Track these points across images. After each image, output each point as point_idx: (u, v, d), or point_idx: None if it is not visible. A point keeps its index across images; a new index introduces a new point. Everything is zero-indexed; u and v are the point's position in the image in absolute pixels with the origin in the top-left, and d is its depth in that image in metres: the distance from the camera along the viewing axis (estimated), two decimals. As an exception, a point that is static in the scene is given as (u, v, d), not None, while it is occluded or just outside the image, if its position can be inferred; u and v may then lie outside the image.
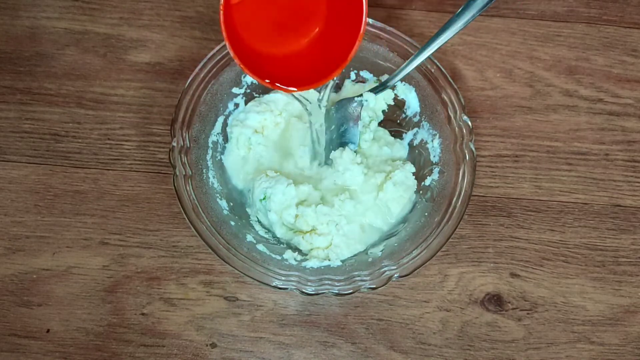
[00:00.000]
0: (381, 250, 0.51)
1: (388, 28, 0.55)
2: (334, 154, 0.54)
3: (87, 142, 0.59)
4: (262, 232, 0.54)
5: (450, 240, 0.50)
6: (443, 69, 0.54)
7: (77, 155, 0.58)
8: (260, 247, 0.51)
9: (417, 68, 0.54)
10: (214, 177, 0.54)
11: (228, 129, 0.56)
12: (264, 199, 0.53)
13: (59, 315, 0.53)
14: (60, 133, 0.59)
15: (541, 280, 0.56)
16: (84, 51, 0.62)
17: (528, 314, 0.55)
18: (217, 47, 0.54)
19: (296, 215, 0.53)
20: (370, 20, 0.55)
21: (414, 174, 0.55)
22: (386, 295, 0.55)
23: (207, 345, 0.53)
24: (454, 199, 0.51)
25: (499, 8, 0.65)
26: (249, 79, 0.57)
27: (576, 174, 0.60)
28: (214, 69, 0.54)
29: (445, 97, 0.54)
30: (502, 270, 0.56)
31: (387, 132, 0.58)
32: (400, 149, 0.57)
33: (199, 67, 0.53)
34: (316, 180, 0.55)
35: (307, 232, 0.53)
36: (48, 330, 0.53)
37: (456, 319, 0.55)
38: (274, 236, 0.54)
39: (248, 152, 0.56)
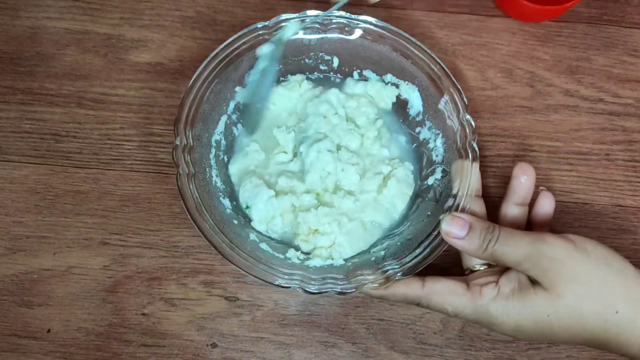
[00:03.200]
0: (384, 250, 0.51)
1: (392, 28, 0.55)
2: (309, 156, 0.54)
3: (88, 142, 0.59)
4: (264, 230, 0.54)
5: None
6: (446, 69, 0.54)
7: (78, 155, 0.58)
8: (264, 245, 0.51)
9: (420, 67, 0.54)
10: (217, 176, 0.54)
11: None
12: (247, 207, 0.53)
13: (60, 315, 0.53)
14: (61, 133, 0.59)
15: (542, 280, 0.56)
16: (84, 51, 0.62)
17: (529, 314, 0.55)
18: (222, 46, 0.54)
19: (298, 223, 0.53)
20: (373, 20, 0.55)
21: (412, 172, 0.55)
22: (387, 295, 0.55)
23: (207, 346, 0.53)
24: (456, 197, 0.51)
25: (499, 8, 0.65)
26: (252, 78, 0.57)
27: (577, 174, 0.60)
28: (218, 68, 0.54)
29: (448, 97, 0.54)
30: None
31: (386, 130, 0.58)
32: (395, 149, 0.57)
33: (202, 65, 0.53)
34: (299, 174, 0.55)
35: (308, 233, 0.53)
36: (49, 330, 0.53)
37: (457, 319, 0.54)
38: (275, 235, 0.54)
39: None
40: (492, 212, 0.58)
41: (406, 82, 0.56)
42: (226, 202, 0.53)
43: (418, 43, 0.54)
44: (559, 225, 0.58)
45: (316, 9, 0.55)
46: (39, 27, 0.63)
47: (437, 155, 0.55)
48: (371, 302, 0.55)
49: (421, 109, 0.56)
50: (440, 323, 0.54)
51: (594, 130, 0.61)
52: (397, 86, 0.57)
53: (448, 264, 0.56)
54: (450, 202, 0.51)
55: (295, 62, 0.58)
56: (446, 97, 0.54)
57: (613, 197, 0.59)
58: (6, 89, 0.60)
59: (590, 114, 0.62)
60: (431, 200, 0.53)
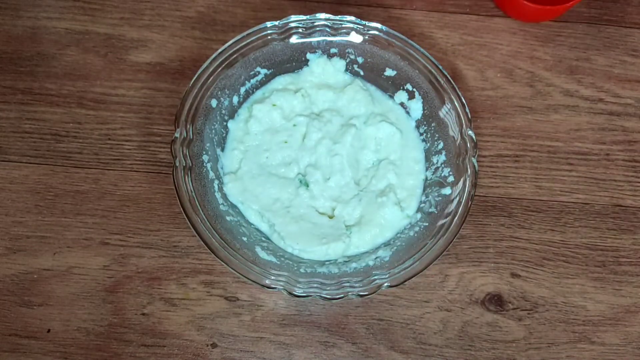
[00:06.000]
0: (373, 260, 0.51)
1: (394, 32, 0.55)
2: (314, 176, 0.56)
3: (88, 142, 0.59)
4: (260, 226, 0.54)
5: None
6: (452, 80, 0.54)
7: (78, 156, 0.58)
8: (253, 246, 0.51)
9: (426, 77, 0.55)
10: (212, 170, 0.54)
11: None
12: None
13: (60, 315, 0.53)
14: (61, 133, 0.59)
15: (542, 280, 0.56)
16: (84, 51, 0.62)
17: (529, 314, 0.55)
18: (231, 41, 0.54)
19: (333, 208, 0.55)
20: (384, 27, 0.55)
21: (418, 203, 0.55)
22: (387, 296, 0.55)
23: (207, 346, 0.53)
24: (451, 214, 0.51)
25: (499, 8, 0.65)
26: (254, 80, 0.57)
27: (577, 174, 0.60)
28: (224, 64, 0.54)
29: (452, 110, 0.53)
30: (502, 270, 0.56)
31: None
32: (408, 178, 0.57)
33: (209, 60, 0.53)
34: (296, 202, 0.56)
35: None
36: (49, 330, 0.53)
37: (457, 319, 0.55)
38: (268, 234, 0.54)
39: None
40: (492, 213, 0.58)
41: (412, 88, 0.56)
42: (220, 197, 0.53)
43: (432, 58, 0.54)
44: (559, 225, 0.58)
45: (323, 10, 0.56)
46: (39, 27, 0.63)
47: (435, 169, 0.55)
48: (371, 302, 0.55)
49: (419, 117, 0.57)
50: (440, 323, 0.54)
51: (594, 130, 0.61)
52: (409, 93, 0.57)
53: (446, 265, 0.56)
54: (444, 220, 0.51)
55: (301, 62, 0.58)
56: (448, 106, 0.54)
57: (613, 197, 0.59)
58: (6, 89, 0.60)
59: (590, 114, 0.62)
60: (425, 214, 0.53)
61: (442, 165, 0.54)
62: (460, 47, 0.64)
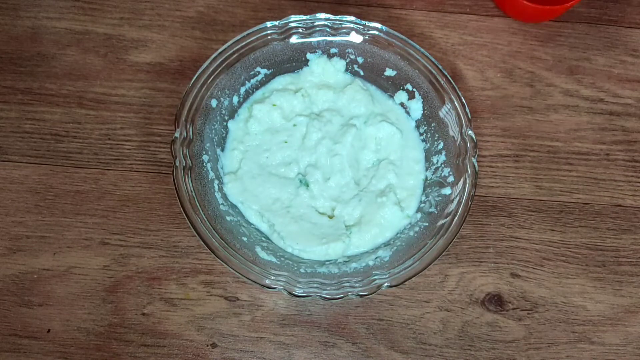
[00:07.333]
0: (373, 260, 0.51)
1: (394, 32, 0.55)
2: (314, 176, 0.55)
3: (88, 142, 0.59)
4: (260, 226, 0.54)
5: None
6: (452, 80, 0.54)
7: (78, 156, 0.58)
8: (253, 246, 0.51)
9: (426, 77, 0.55)
10: (212, 170, 0.54)
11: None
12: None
13: (60, 315, 0.53)
14: (61, 133, 0.59)
15: (542, 280, 0.56)
16: (84, 51, 0.62)
17: (529, 314, 0.55)
18: (231, 42, 0.54)
19: (333, 209, 0.55)
20: (384, 27, 0.55)
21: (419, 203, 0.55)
22: (387, 295, 0.55)
23: (207, 346, 0.53)
24: (451, 214, 0.51)
25: (499, 8, 0.65)
26: (254, 80, 0.57)
27: (577, 174, 0.60)
28: (224, 64, 0.54)
29: (452, 110, 0.53)
30: (502, 270, 0.56)
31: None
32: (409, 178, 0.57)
33: (209, 60, 0.53)
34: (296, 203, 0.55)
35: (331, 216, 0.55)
36: (49, 330, 0.53)
37: (457, 319, 0.55)
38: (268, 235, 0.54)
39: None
40: (492, 213, 0.58)
41: (412, 88, 0.56)
42: (221, 197, 0.53)
43: (431, 57, 0.54)
44: (559, 225, 0.58)
45: (323, 10, 0.56)
46: (39, 27, 0.63)
47: (435, 169, 0.55)
48: (371, 302, 0.55)
49: (419, 117, 0.57)
50: (440, 323, 0.54)
51: (594, 130, 0.61)
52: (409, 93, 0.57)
53: (446, 265, 0.56)
54: (444, 220, 0.50)
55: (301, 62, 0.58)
56: (448, 106, 0.54)
57: (613, 197, 0.59)
58: (6, 89, 0.60)
59: (590, 114, 0.62)
60: (425, 214, 0.53)
61: (442, 165, 0.54)
62: (460, 47, 0.64)
